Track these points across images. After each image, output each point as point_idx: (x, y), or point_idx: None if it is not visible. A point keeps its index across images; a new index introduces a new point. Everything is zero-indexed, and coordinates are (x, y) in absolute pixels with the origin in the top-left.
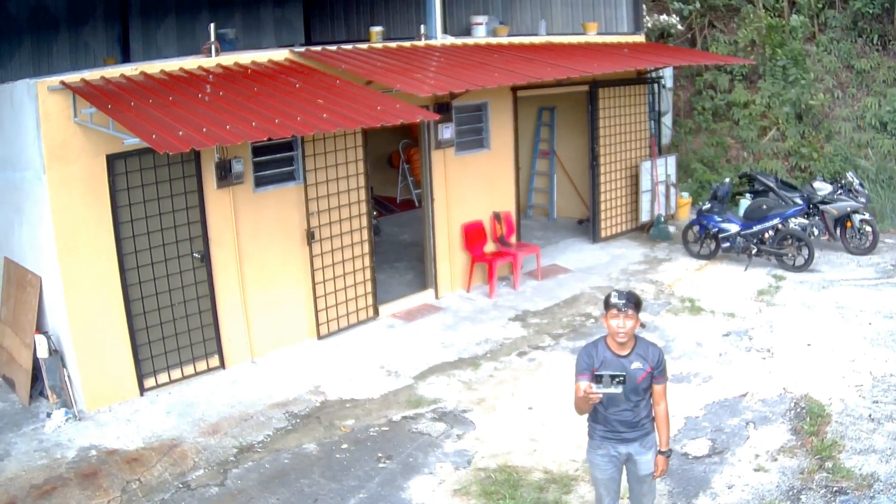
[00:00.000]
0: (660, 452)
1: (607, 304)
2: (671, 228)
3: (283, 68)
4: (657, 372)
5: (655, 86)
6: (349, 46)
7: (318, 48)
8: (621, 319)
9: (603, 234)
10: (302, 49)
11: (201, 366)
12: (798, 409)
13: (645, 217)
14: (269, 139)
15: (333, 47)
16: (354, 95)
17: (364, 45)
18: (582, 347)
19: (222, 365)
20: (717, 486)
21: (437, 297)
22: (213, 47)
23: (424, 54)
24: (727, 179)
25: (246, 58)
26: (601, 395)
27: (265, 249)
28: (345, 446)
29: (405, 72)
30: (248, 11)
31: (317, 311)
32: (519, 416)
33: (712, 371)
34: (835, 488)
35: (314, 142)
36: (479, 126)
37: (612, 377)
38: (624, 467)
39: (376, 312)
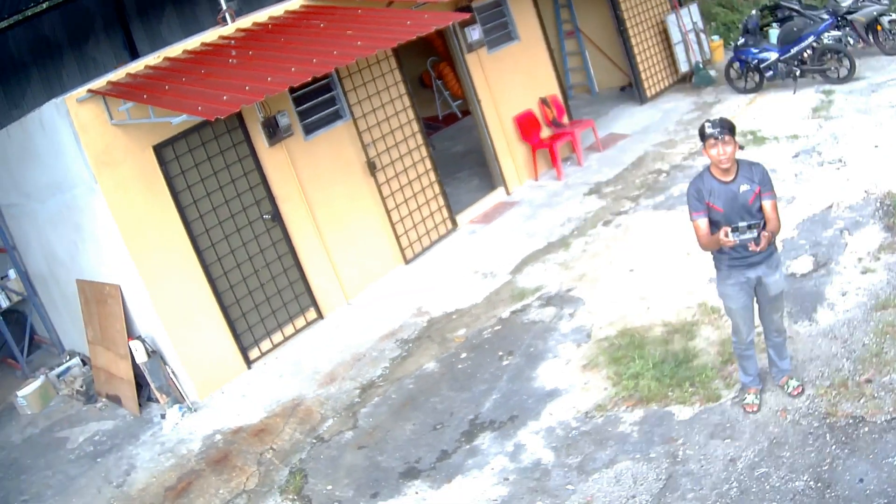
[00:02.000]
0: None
1: (703, 136)
2: (712, 72)
3: (301, 15)
4: (764, 189)
5: None
6: None
7: None
8: (720, 147)
9: (648, 93)
10: None
11: (300, 322)
12: (886, 207)
13: (684, 67)
14: (314, 78)
15: None
16: (381, 19)
17: None
18: (689, 184)
19: (320, 315)
20: (832, 296)
21: (508, 193)
22: (227, 15)
23: None
24: (753, 11)
25: (262, 15)
26: (737, 241)
27: (332, 192)
28: (463, 355)
29: None
30: None
31: (397, 238)
32: (622, 281)
33: (793, 192)
34: None
35: (351, 76)
36: (503, 20)
37: (749, 226)
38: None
39: (454, 223)
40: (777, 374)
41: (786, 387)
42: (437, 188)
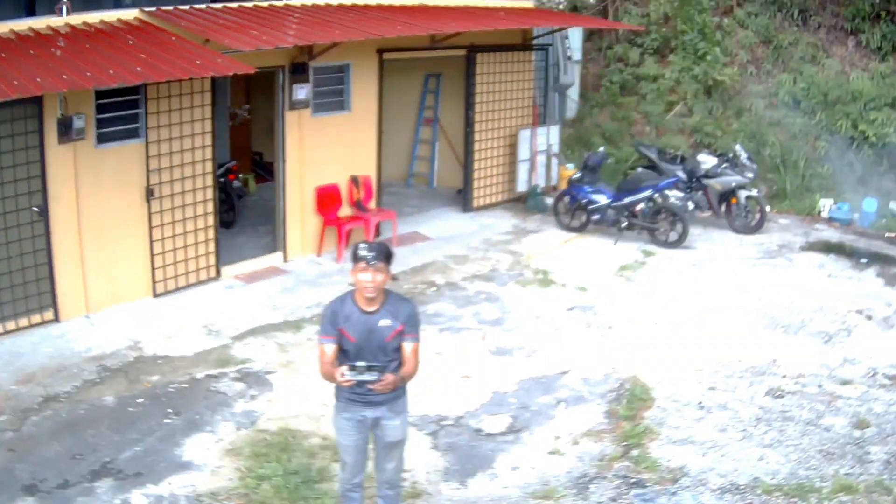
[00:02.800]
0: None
1: (355, 257)
2: (548, 200)
3: (129, 27)
4: (408, 329)
5: (546, 53)
6: (203, 6)
7: (170, 7)
8: (370, 273)
9: (476, 203)
10: (153, 9)
11: (35, 318)
12: (622, 391)
13: (522, 187)
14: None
15: (186, 7)
16: (181, 51)
17: (219, 5)
18: (327, 304)
19: (56, 319)
20: (501, 466)
21: (285, 260)
22: (64, 7)
23: (280, 14)
24: (601, 149)
25: (95, 17)
26: (353, 381)
27: (104, 206)
28: (140, 400)
29: (244, 29)
30: None
31: (153, 269)
32: (320, 379)
33: (541, 345)
34: (632, 480)
35: (158, 99)
36: (340, 88)
37: (370, 367)
38: (372, 434)
39: (218, 273)
40: None
41: None
42: (210, 233)
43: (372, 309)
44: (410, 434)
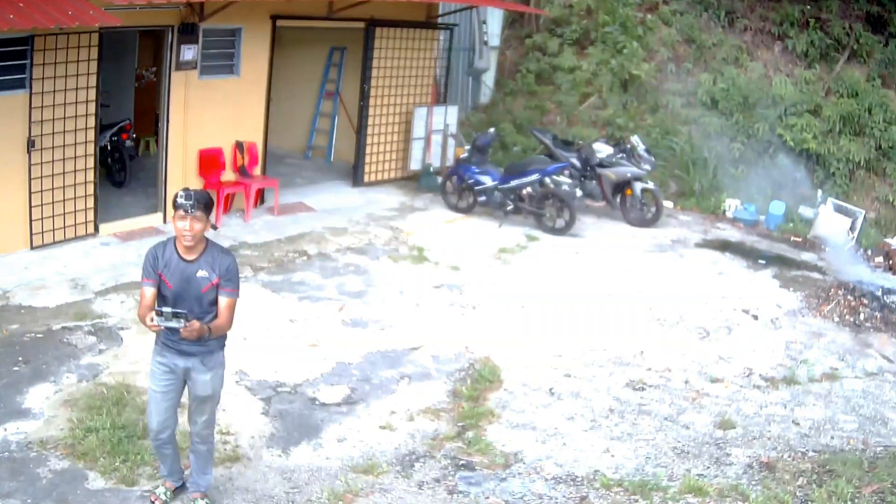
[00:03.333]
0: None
1: (175, 205)
2: (440, 179)
3: None
4: (225, 284)
5: (451, 34)
6: None
7: None
8: (188, 222)
9: (367, 178)
10: None
11: None
12: (470, 371)
13: (416, 166)
14: (11, 39)
15: None
16: (59, 3)
17: None
18: (150, 248)
19: None
20: (328, 436)
21: (164, 221)
22: None
23: None
24: (491, 129)
25: None
26: (161, 327)
27: None
28: None
29: None
30: None
31: (31, 221)
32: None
33: (398, 320)
34: (461, 461)
35: (45, 51)
36: (231, 52)
37: (176, 314)
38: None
39: (97, 229)
40: (192, 486)
41: (195, 503)
42: (90, 189)
43: (191, 258)
44: (242, 398)
